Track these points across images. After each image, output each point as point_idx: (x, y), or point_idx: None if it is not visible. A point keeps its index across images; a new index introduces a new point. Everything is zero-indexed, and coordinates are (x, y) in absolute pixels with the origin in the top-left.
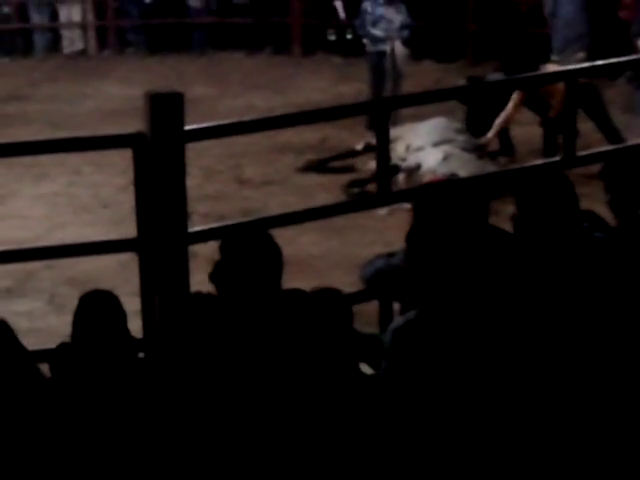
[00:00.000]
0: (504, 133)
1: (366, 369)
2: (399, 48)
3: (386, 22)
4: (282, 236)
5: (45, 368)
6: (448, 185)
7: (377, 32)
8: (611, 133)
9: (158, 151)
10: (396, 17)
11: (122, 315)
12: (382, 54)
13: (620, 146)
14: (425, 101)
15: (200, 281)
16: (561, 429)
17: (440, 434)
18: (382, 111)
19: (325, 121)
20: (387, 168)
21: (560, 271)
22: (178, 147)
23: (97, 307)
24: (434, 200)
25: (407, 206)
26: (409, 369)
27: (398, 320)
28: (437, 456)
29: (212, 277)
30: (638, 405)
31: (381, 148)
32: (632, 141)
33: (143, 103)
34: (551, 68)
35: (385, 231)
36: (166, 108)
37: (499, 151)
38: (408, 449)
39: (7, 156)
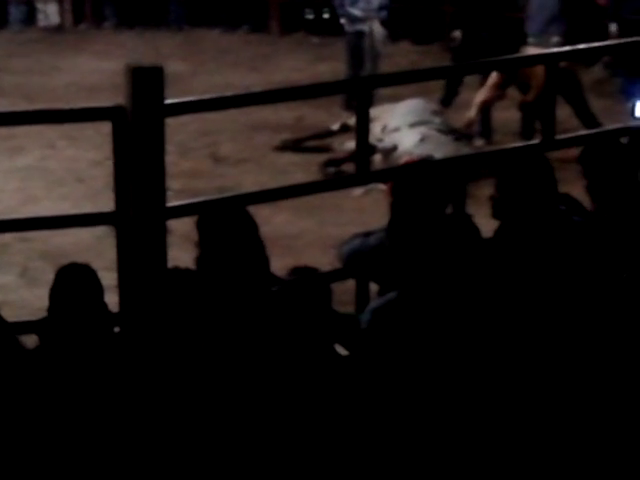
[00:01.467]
0: (485, 115)
1: (340, 350)
2: (377, 28)
3: (365, 2)
4: (257, 215)
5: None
6: (425, 166)
7: (356, 12)
8: (588, 118)
9: (138, 125)
10: None
11: (99, 289)
12: (360, 34)
13: (599, 130)
14: (405, 81)
15: (175, 257)
16: (540, 407)
17: (417, 416)
18: (362, 90)
19: (304, 99)
20: (366, 147)
21: (538, 253)
22: (158, 121)
23: (75, 280)
24: (411, 180)
25: (382, 187)
26: (387, 349)
27: (378, 301)
28: (414, 437)
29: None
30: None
31: (360, 127)
32: (609, 126)
33: (124, 76)
34: (531, 51)
35: (361, 211)
36: (147, 82)
37: (478, 133)
38: (382, 431)
39: None
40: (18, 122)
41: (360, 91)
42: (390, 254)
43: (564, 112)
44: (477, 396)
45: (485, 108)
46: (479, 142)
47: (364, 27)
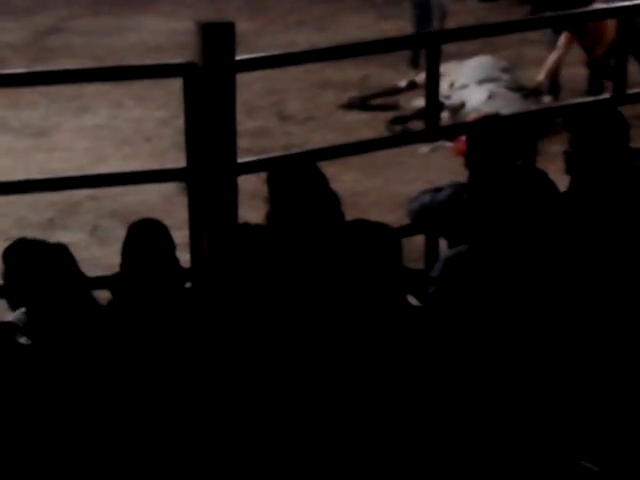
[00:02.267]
0: (552, 72)
1: (413, 301)
2: None
3: None
4: (324, 174)
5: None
6: (494, 122)
7: None
8: None
9: (209, 80)
10: None
11: (171, 244)
12: None
13: None
14: (474, 36)
15: (242, 216)
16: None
17: (484, 367)
18: (432, 45)
19: (371, 54)
20: (435, 103)
21: (612, 209)
22: (229, 77)
23: (147, 235)
24: (484, 136)
25: (448, 144)
26: (458, 298)
27: (449, 251)
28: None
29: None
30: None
31: (430, 83)
32: None
33: (194, 33)
34: (599, 5)
35: (427, 169)
36: (218, 38)
37: (546, 90)
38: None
39: (64, 82)
40: (89, 79)
41: (429, 46)
42: (469, 208)
43: (633, 69)
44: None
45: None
46: (547, 99)
47: None
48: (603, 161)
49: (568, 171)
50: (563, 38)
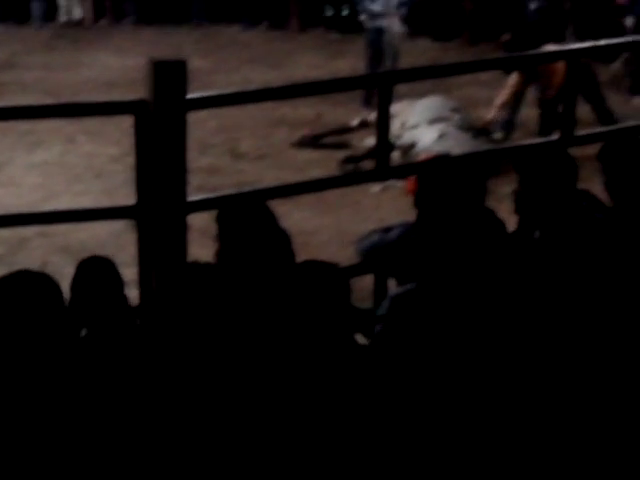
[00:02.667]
0: (512, 110)
1: (361, 339)
2: (396, 25)
3: None
4: (276, 212)
5: None
6: (443, 162)
7: (375, 8)
8: (605, 115)
9: (160, 118)
10: None
11: (120, 281)
12: (380, 30)
13: (619, 126)
14: (425, 76)
15: (192, 253)
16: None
17: (432, 402)
18: (383, 85)
19: (324, 93)
20: (386, 143)
21: (560, 249)
22: (181, 115)
23: (95, 272)
24: (434, 176)
25: (400, 184)
26: (404, 336)
27: (397, 289)
28: (431, 423)
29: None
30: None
31: (381, 122)
32: (628, 122)
33: (146, 70)
34: (551, 48)
35: (378, 208)
36: (170, 76)
37: (499, 126)
38: (401, 417)
39: (16, 119)
40: (40, 116)
41: (381, 86)
42: (417, 248)
43: (582, 109)
44: (487, 389)
45: (510, 105)
46: (498, 135)
47: (383, 23)
48: (551, 202)
49: (517, 211)
50: (513, 77)
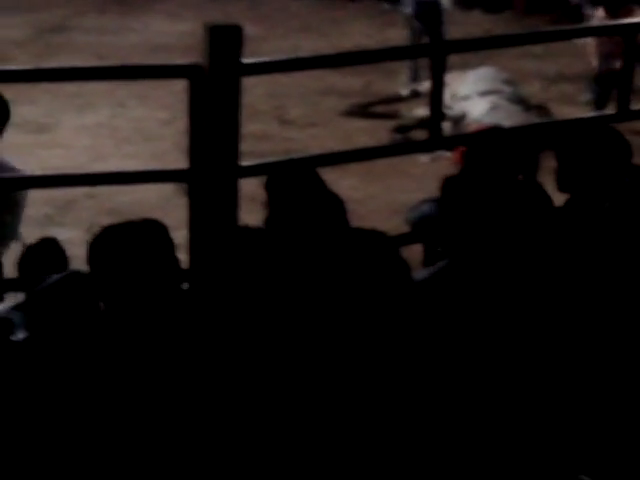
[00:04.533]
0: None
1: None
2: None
3: None
4: (324, 180)
5: None
6: (494, 134)
7: None
8: None
9: (215, 83)
10: None
11: (171, 244)
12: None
13: None
14: (480, 47)
15: (242, 219)
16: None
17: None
18: (438, 55)
19: (376, 62)
20: (439, 113)
21: (605, 227)
22: (235, 80)
23: (148, 235)
24: (482, 148)
25: (449, 154)
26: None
27: (424, 272)
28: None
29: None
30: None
31: (435, 92)
32: None
33: (201, 35)
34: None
35: (427, 178)
36: (225, 41)
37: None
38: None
39: (69, 80)
40: (94, 77)
41: (434, 56)
42: (457, 221)
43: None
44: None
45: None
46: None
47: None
48: (594, 180)
49: (560, 189)
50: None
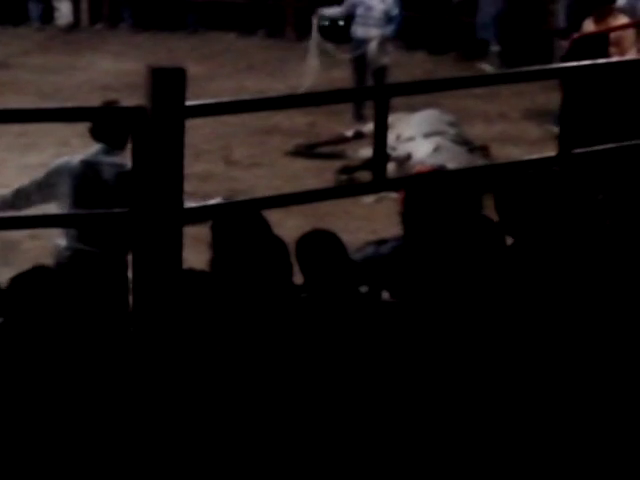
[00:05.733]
0: None
1: None
2: (372, 48)
3: (364, 8)
4: (268, 220)
5: None
6: (438, 175)
7: (358, 32)
8: None
9: (159, 125)
10: (377, 5)
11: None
12: (362, 57)
13: None
14: (424, 90)
15: (186, 259)
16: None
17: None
18: (381, 98)
19: (325, 104)
20: (383, 155)
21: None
22: (179, 122)
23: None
24: (424, 190)
25: (393, 195)
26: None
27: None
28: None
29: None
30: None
31: (378, 134)
32: None
33: (144, 77)
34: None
35: (371, 219)
36: (169, 83)
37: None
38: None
39: (13, 122)
40: (37, 119)
41: (378, 99)
42: (403, 263)
43: None
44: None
45: None
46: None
47: (364, 49)
48: (538, 223)
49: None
50: None
